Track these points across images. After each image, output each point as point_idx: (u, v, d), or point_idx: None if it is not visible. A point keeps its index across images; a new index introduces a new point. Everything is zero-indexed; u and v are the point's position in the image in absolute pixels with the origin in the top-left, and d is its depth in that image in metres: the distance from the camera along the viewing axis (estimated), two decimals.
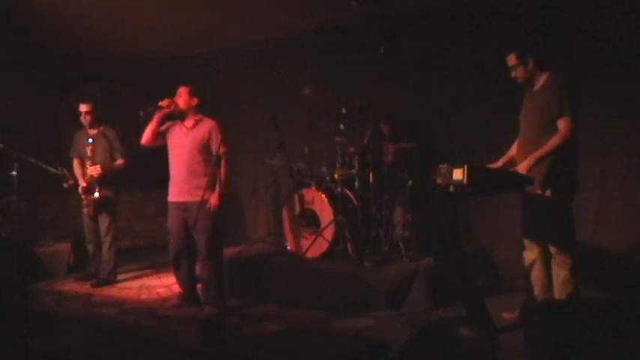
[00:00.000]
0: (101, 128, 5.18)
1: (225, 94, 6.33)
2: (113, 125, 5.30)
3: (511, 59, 3.57)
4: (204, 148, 4.11)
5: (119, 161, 5.15)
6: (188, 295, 4.39)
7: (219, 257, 4.16)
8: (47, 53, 6.04)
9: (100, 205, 5.09)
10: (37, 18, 5.32)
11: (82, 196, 5.09)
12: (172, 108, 4.15)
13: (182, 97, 4.17)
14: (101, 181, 5.04)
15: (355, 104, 5.02)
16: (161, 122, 4.21)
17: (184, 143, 4.15)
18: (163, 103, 4.14)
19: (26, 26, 5.58)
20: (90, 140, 5.06)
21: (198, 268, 4.27)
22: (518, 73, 3.57)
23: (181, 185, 4.14)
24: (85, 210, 5.11)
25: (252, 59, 6.52)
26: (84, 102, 5.14)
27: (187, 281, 4.38)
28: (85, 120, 5.15)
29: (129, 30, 5.83)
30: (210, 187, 4.01)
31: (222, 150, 4.07)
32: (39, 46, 5.96)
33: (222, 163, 4.07)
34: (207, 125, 4.16)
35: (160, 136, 4.23)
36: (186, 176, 4.11)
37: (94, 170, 4.98)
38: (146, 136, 4.20)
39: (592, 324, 2.42)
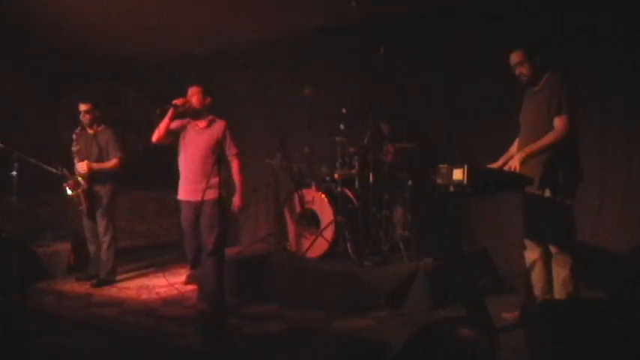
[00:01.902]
0: (99, 128, 5.20)
1: (225, 94, 6.32)
2: (113, 125, 5.30)
3: (517, 56, 3.48)
4: (217, 148, 4.14)
5: (111, 161, 5.13)
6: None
7: (221, 257, 4.16)
8: (47, 53, 6.04)
9: (94, 204, 5.09)
10: (37, 18, 5.32)
11: (72, 193, 5.06)
12: (186, 107, 4.18)
13: (195, 97, 4.20)
14: (93, 179, 5.05)
15: (355, 104, 5.01)
16: (173, 120, 4.24)
17: (198, 143, 4.17)
18: (178, 101, 4.16)
19: (26, 26, 5.58)
20: (74, 137, 5.10)
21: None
22: (524, 70, 3.49)
23: (194, 185, 4.15)
24: (80, 209, 5.11)
25: (252, 59, 6.52)
26: (83, 101, 5.16)
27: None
28: (85, 119, 5.16)
29: (129, 30, 5.83)
30: (215, 186, 4.01)
31: (234, 151, 4.17)
32: (39, 46, 5.96)
33: (236, 163, 4.20)
34: (220, 125, 4.21)
35: (171, 134, 4.25)
36: (199, 176, 4.12)
37: (80, 167, 5.01)
38: (158, 134, 4.21)
39: (592, 324, 2.42)
